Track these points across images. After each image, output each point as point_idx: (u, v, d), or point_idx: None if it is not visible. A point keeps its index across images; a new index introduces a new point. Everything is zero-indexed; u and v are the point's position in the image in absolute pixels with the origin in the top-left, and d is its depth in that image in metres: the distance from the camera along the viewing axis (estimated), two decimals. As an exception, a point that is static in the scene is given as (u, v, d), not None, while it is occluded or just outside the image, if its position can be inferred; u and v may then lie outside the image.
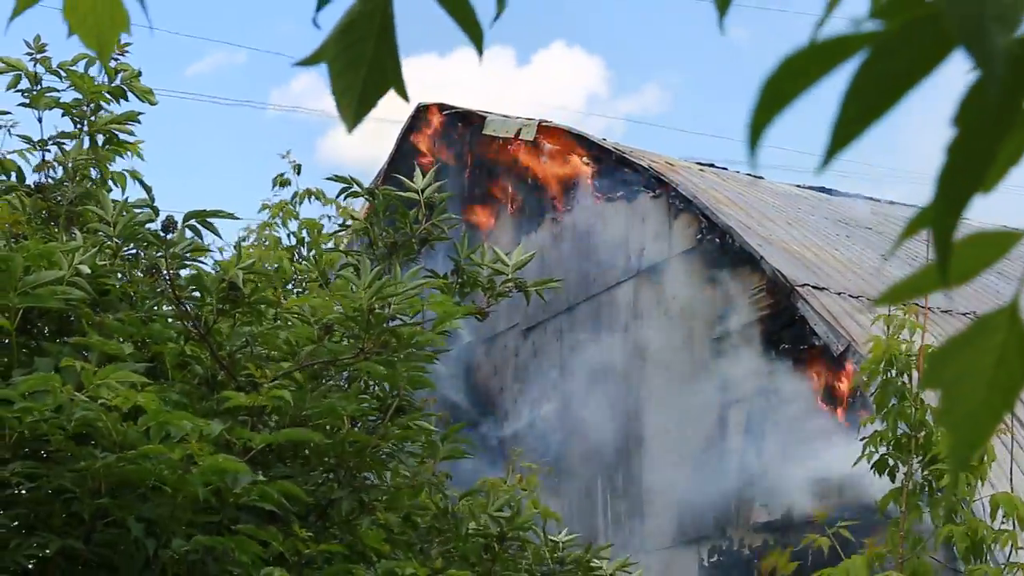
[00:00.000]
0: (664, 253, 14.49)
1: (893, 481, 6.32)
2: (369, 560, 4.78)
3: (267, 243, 8.32)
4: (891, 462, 6.33)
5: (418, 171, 5.74)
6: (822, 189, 17.60)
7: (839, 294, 12.55)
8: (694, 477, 13.67)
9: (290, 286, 6.13)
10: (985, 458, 6.06)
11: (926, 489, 6.25)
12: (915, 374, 6.28)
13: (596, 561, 5.75)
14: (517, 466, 8.17)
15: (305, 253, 7.50)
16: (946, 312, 12.78)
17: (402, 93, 1.36)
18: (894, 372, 6.34)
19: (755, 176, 17.09)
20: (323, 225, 7.91)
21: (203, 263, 4.88)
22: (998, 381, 1.15)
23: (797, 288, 12.40)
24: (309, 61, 1.34)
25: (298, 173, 7.31)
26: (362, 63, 1.34)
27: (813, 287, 12.49)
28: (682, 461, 13.88)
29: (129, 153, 5.46)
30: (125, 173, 5.45)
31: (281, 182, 7.35)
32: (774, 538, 12.53)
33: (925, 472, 6.26)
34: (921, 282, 1.17)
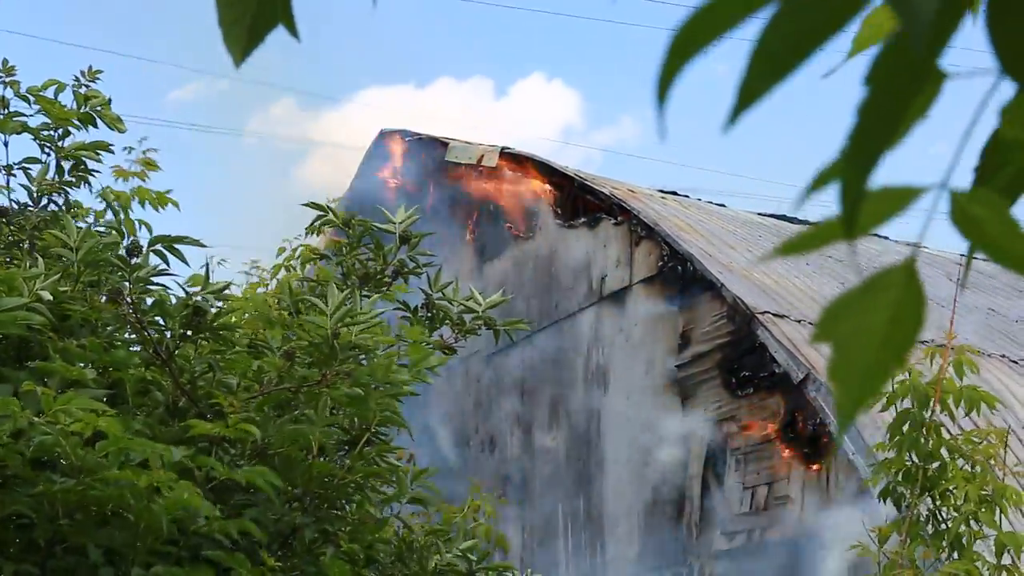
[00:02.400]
0: (626, 280, 14.51)
1: (899, 511, 6.31)
2: (332, 590, 4.73)
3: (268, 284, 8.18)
4: (898, 490, 6.32)
5: (402, 208, 5.72)
6: (783, 217, 17.70)
7: (799, 322, 12.60)
8: (655, 505, 13.66)
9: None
10: (1002, 502, 6.06)
11: (931, 522, 6.24)
12: (933, 406, 6.29)
13: None
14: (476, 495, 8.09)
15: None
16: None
17: (291, 28, 1.34)
18: (910, 402, 6.34)
19: (716, 204, 17.16)
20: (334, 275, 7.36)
21: (169, 289, 4.84)
22: (891, 338, 1.16)
23: (757, 316, 12.43)
24: None
25: (342, 222, 6.39)
26: None
27: (774, 315, 12.53)
28: (643, 488, 13.87)
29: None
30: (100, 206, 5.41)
31: (317, 230, 6.16)
32: (735, 566, 12.53)
33: (931, 504, 6.25)
34: (825, 234, 1.17)
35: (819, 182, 1.16)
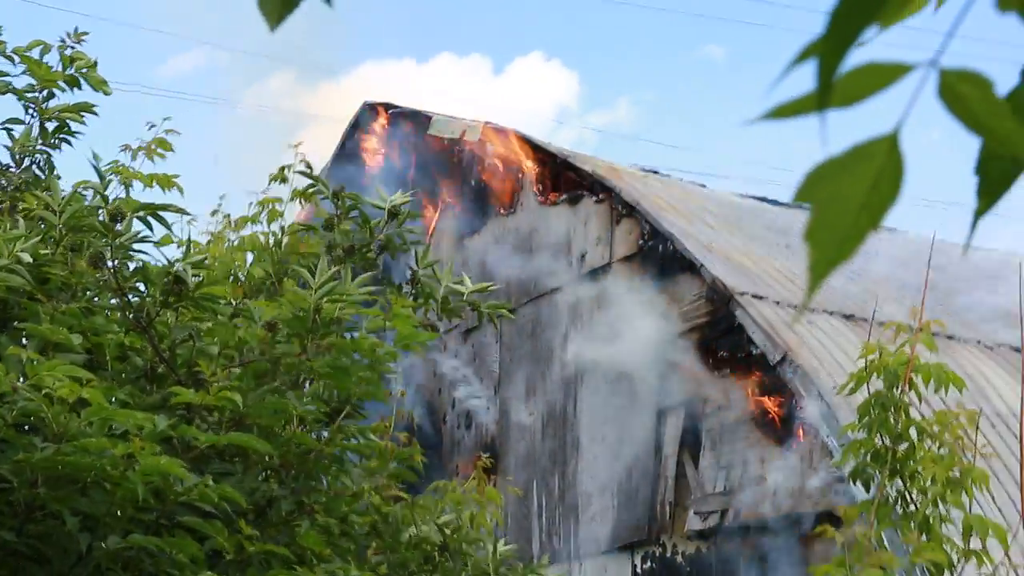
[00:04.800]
0: (606, 258, 14.52)
1: (868, 492, 6.33)
2: (308, 562, 4.73)
3: (234, 240, 8.10)
4: (868, 472, 6.34)
5: (400, 192, 5.71)
6: (763, 199, 17.72)
7: (777, 303, 12.63)
8: (629, 483, 13.71)
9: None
10: (970, 484, 6.09)
11: (899, 503, 6.26)
12: (903, 386, 6.31)
13: (533, 575, 5.77)
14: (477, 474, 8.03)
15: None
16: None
17: None
18: (880, 382, 6.35)
19: (698, 184, 17.17)
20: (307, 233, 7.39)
21: (149, 255, 4.82)
22: (869, 203, 1.20)
23: (736, 296, 12.46)
24: None
25: (310, 170, 6.50)
26: None
27: (752, 296, 12.56)
28: (618, 467, 13.91)
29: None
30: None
31: (280, 178, 6.43)
32: (707, 545, 12.59)
33: (901, 486, 6.27)
34: (805, 104, 1.20)
35: (802, 56, 1.18)
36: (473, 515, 6.48)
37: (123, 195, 5.10)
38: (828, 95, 1.17)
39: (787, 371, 11.73)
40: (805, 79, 1.18)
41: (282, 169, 6.34)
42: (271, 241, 6.90)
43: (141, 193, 5.73)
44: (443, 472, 14.39)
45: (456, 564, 5.55)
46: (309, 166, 6.31)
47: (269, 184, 6.79)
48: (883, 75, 1.20)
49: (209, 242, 7.89)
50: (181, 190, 5.61)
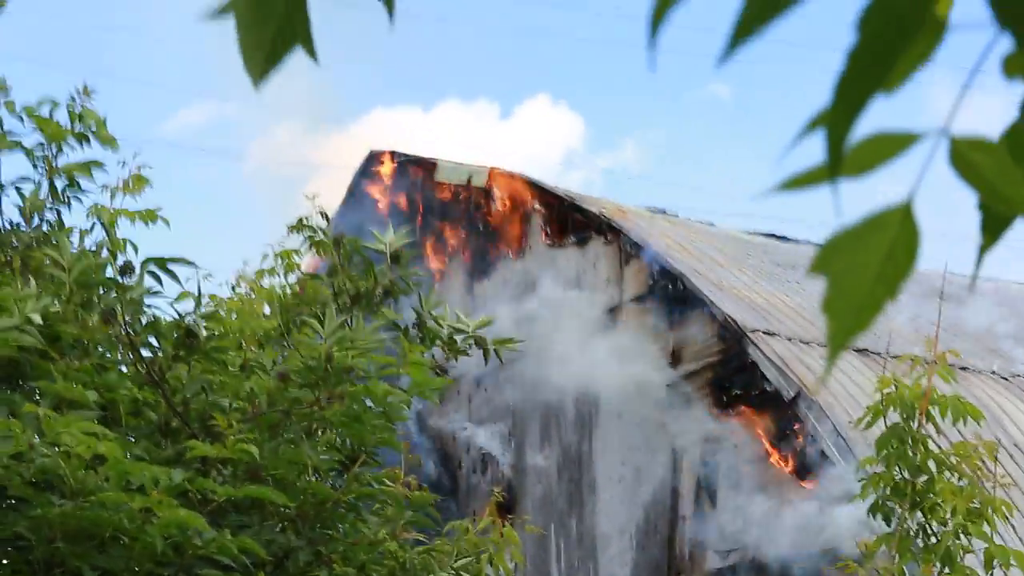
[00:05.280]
0: (616, 299, 14.52)
1: (888, 525, 6.30)
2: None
3: (252, 294, 8.09)
4: (888, 505, 6.31)
5: (390, 227, 5.72)
6: (772, 235, 17.73)
7: (789, 339, 12.61)
8: (647, 524, 13.65)
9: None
10: (990, 513, 6.06)
11: (920, 536, 6.23)
12: (920, 418, 6.29)
13: None
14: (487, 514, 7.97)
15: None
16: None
17: (310, 51, 1.36)
18: (898, 415, 6.34)
19: (706, 222, 17.19)
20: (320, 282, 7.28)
21: (159, 309, 4.83)
22: (884, 274, 1.20)
23: (748, 334, 12.45)
24: (219, 11, 1.33)
25: (327, 221, 6.37)
26: (272, 19, 1.33)
27: (764, 332, 12.55)
28: (636, 507, 13.86)
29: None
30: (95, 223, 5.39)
31: (300, 228, 6.13)
32: (727, 584, 12.52)
33: (921, 518, 6.24)
34: (816, 175, 1.21)
35: (810, 127, 1.18)
36: (492, 555, 6.46)
37: (105, 236, 5.12)
38: (839, 166, 1.17)
39: (802, 407, 11.69)
40: (816, 142, 1.18)
41: (300, 220, 6.27)
42: (287, 292, 6.89)
43: (127, 230, 5.76)
44: (461, 518, 14.32)
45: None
46: (326, 216, 6.32)
47: (288, 234, 6.71)
48: (893, 144, 1.21)
49: (230, 298, 7.89)
50: (167, 222, 5.61)
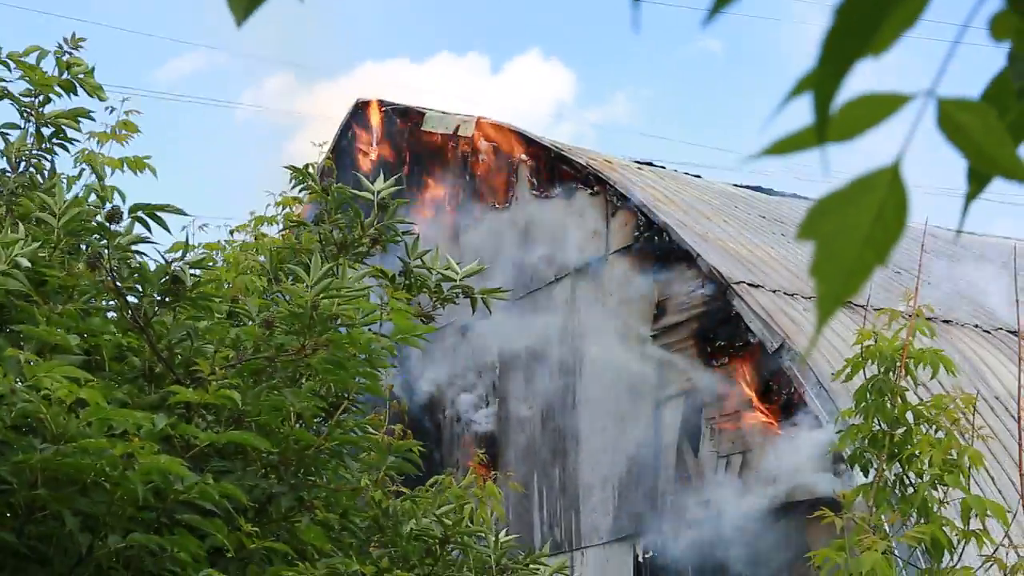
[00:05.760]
0: (601, 250, 14.53)
1: (866, 476, 6.36)
2: (309, 558, 4.75)
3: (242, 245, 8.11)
4: (866, 456, 6.36)
5: (380, 177, 5.71)
6: (758, 188, 17.73)
7: (774, 291, 12.65)
8: (630, 473, 13.74)
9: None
10: (968, 464, 6.11)
11: (897, 487, 6.28)
12: (898, 371, 6.33)
13: (535, 566, 5.79)
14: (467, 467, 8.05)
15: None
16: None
17: None
18: (876, 367, 6.37)
19: (692, 175, 17.19)
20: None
21: (147, 256, 4.83)
22: (873, 237, 1.19)
23: (733, 285, 12.48)
24: None
25: (333, 170, 6.12)
26: None
27: (749, 284, 12.58)
28: (618, 458, 13.94)
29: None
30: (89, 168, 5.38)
31: (304, 177, 5.92)
32: (709, 534, 12.62)
33: (899, 469, 6.29)
34: (804, 139, 1.19)
35: (796, 89, 1.17)
36: (473, 511, 6.51)
37: (96, 182, 5.11)
38: (825, 129, 1.16)
39: (785, 358, 11.75)
40: (803, 104, 1.17)
41: (306, 166, 6.16)
42: (279, 241, 6.85)
43: (118, 178, 5.75)
44: (443, 467, 14.41)
45: (458, 556, 5.57)
46: (332, 165, 6.28)
47: (291, 184, 6.61)
48: (881, 106, 1.19)
49: (223, 246, 7.88)
50: (154, 171, 5.61)
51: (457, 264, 5.68)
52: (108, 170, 5.67)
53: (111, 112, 6.12)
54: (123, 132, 6.00)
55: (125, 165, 5.79)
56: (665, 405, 13.39)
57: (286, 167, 6.05)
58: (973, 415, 6.39)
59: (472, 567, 5.61)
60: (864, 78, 1.19)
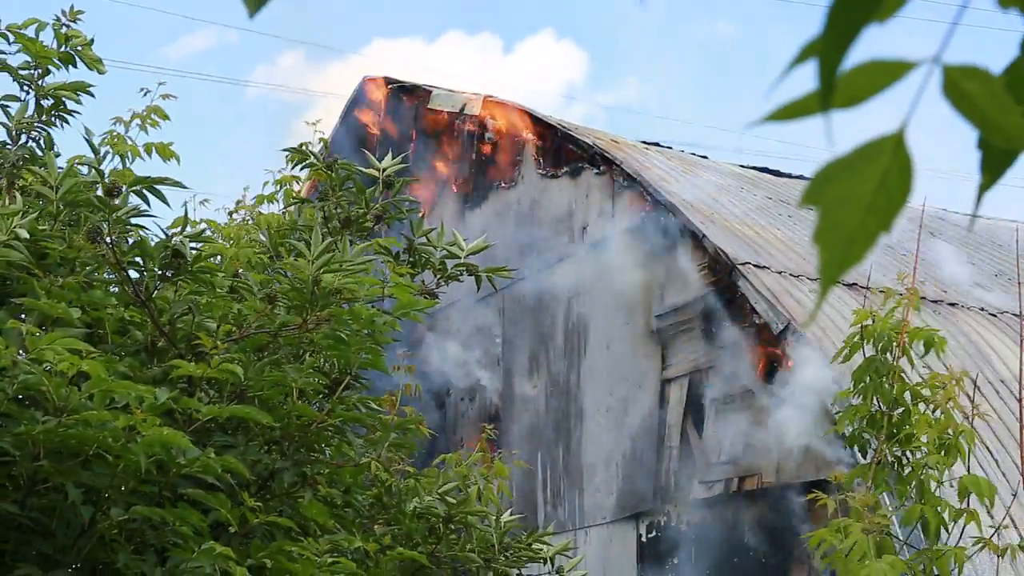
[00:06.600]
0: (607, 230, 14.51)
1: (864, 457, 6.36)
2: (311, 534, 4.75)
3: (251, 219, 8.08)
4: (864, 437, 6.36)
5: (389, 155, 5.68)
6: (765, 169, 17.69)
7: (780, 273, 12.63)
8: (634, 453, 13.74)
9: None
10: (963, 443, 6.10)
11: (895, 467, 6.28)
12: (896, 351, 6.32)
13: (538, 545, 5.79)
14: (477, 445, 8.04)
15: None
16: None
17: None
18: (874, 347, 6.37)
19: (699, 155, 17.15)
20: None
21: (148, 231, 4.82)
22: (877, 204, 1.17)
23: (738, 266, 12.46)
24: None
25: (326, 148, 6.10)
26: None
27: (755, 265, 12.56)
28: (622, 437, 13.94)
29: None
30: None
31: (298, 157, 6.00)
32: (711, 513, 12.62)
33: (897, 450, 6.29)
34: (807, 105, 1.18)
35: (802, 56, 1.15)
36: (480, 490, 6.51)
37: (120, 168, 5.10)
38: (831, 95, 1.14)
39: (790, 340, 11.73)
40: (809, 73, 1.15)
41: (302, 146, 6.18)
42: (283, 217, 6.85)
43: (139, 165, 5.73)
44: (448, 445, 14.42)
45: (461, 535, 5.57)
46: (326, 143, 6.28)
47: (289, 164, 6.60)
48: (886, 73, 1.17)
49: (227, 224, 7.87)
50: (179, 159, 5.60)
51: (463, 241, 5.66)
52: (129, 156, 5.66)
53: (145, 94, 6.09)
54: (154, 117, 5.97)
55: (153, 150, 5.77)
56: (669, 385, 13.38)
57: (284, 150, 6.05)
58: (974, 393, 6.38)
59: (475, 546, 5.62)
60: (867, 47, 1.17)
